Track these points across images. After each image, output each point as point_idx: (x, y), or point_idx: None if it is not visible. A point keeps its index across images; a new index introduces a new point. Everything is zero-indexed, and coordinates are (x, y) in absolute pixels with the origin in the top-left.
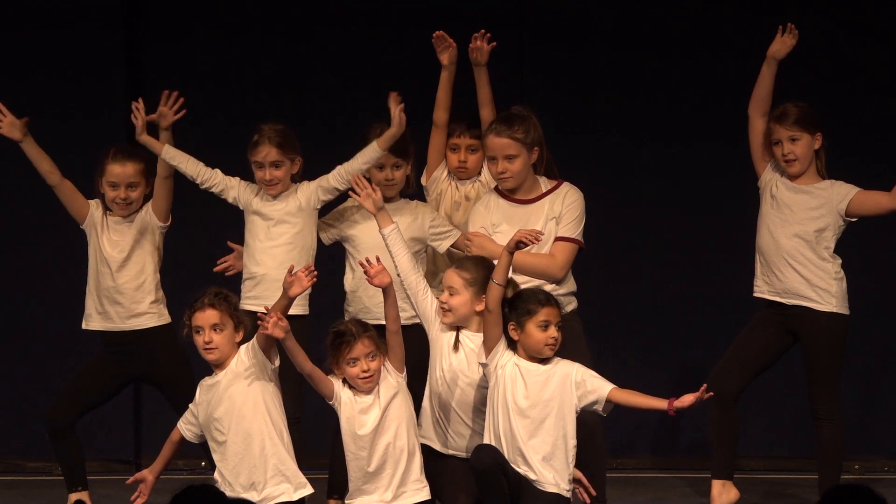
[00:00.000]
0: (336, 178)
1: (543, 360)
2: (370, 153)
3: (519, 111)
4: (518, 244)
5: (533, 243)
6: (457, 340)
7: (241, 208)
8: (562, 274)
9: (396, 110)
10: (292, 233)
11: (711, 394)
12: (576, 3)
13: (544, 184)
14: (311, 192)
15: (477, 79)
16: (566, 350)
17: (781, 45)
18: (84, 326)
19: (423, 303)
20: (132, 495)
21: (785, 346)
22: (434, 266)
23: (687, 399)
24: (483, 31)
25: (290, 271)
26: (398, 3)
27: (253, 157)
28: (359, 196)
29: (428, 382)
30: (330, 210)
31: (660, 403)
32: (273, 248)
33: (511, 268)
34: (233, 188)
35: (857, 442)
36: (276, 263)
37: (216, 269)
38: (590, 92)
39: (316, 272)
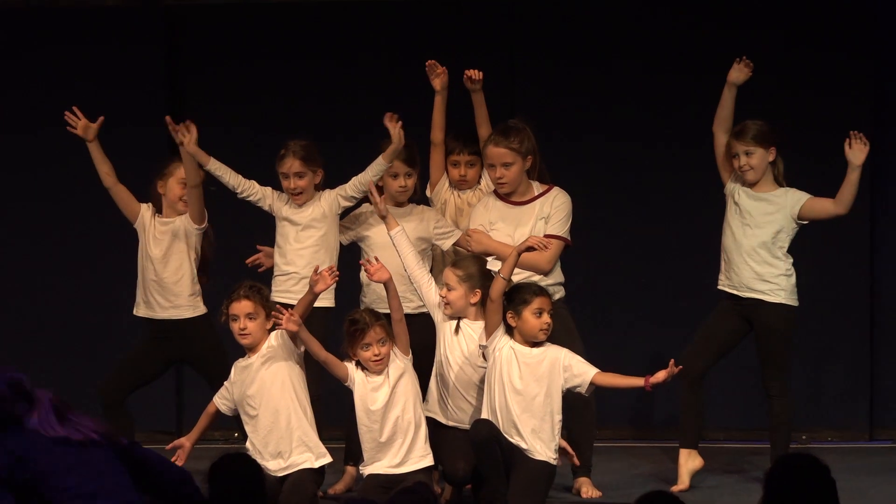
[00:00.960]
0: (352, 187)
1: (536, 345)
2: (377, 167)
3: (515, 124)
4: (528, 248)
5: (542, 250)
6: (458, 327)
7: (274, 215)
8: (548, 267)
9: (394, 128)
10: (318, 236)
11: (681, 367)
12: (561, 27)
13: (537, 188)
14: (332, 200)
15: (474, 102)
16: (558, 335)
17: (739, 72)
18: (134, 312)
19: (427, 293)
20: (172, 458)
21: (743, 333)
22: (443, 265)
23: (660, 375)
24: (474, 70)
25: (315, 271)
26: (405, 34)
27: (280, 169)
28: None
29: (434, 363)
30: (346, 215)
31: (637, 381)
32: (301, 249)
33: (497, 258)
34: (267, 197)
35: (805, 415)
36: (304, 263)
37: (248, 261)
38: (574, 104)
39: (338, 272)
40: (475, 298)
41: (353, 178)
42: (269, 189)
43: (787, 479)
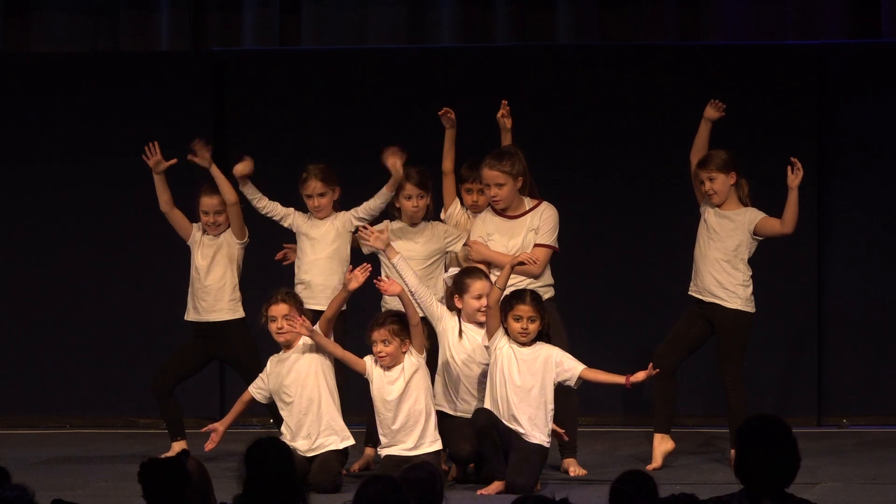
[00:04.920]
0: (364, 210)
1: (530, 344)
2: (382, 196)
3: (508, 149)
4: (520, 263)
5: (531, 265)
6: (461, 331)
7: (294, 231)
8: (538, 271)
9: (392, 164)
10: (331, 249)
11: (658, 370)
12: (551, 77)
13: (528, 203)
14: (346, 220)
15: (503, 140)
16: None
17: (713, 111)
18: (185, 318)
19: (429, 307)
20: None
21: (707, 334)
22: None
23: (640, 375)
24: (505, 101)
25: (349, 270)
26: (418, 81)
27: (303, 191)
28: (368, 241)
29: (439, 363)
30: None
31: (619, 379)
32: (316, 260)
33: (491, 265)
34: (289, 216)
35: (760, 404)
36: (318, 272)
37: (276, 257)
38: (560, 139)
39: (370, 267)
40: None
41: (365, 203)
42: (290, 209)
43: (756, 434)
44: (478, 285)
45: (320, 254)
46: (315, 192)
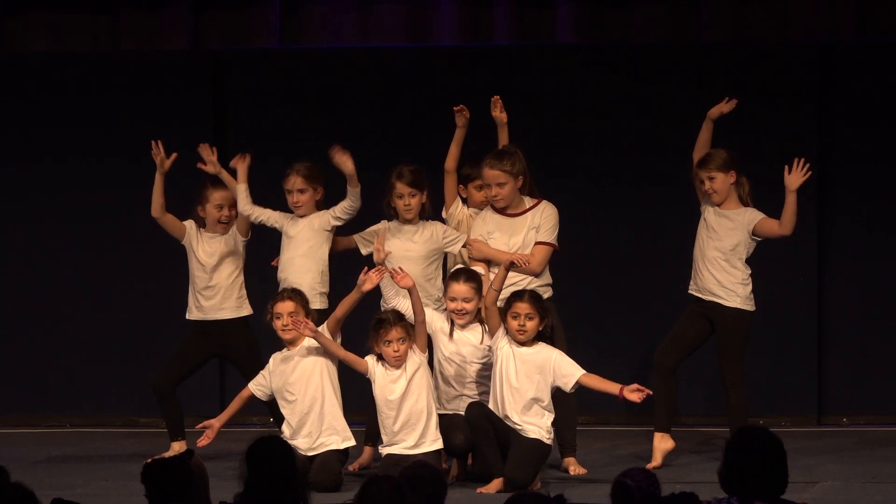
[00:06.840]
0: (341, 210)
1: (530, 344)
2: (351, 194)
3: (507, 148)
4: (512, 264)
5: (524, 265)
6: (451, 333)
7: (280, 231)
8: (539, 269)
9: (341, 161)
10: (305, 248)
11: (650, 392)
12: (549, 78)
13: (528, 202)
14: (324, 219)
15: (500, 135)
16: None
17: (717, 110)
18: (187, 317)
19: (408, 311)
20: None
21: (708, 333)
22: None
23: (635, 396)
24: (498, 97)
25: (364, 272)
26: (418, 82)
27: (285, 186)
28: (398, 282)
29: (433, 365)
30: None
31: (614, 389)
32: (291, 259)
33: (491, 262)
34: (271, 217)
35: (762, 403)
36: (292, 270)
37: (273, 263)
38: (560, 138)
39: (385, 269)
40: (480, 303)
41: (341, 203)
42: (277, 212)
43: (744, 448)
44: (454, 287)
45: (294, 252)
46: (294, 188)
